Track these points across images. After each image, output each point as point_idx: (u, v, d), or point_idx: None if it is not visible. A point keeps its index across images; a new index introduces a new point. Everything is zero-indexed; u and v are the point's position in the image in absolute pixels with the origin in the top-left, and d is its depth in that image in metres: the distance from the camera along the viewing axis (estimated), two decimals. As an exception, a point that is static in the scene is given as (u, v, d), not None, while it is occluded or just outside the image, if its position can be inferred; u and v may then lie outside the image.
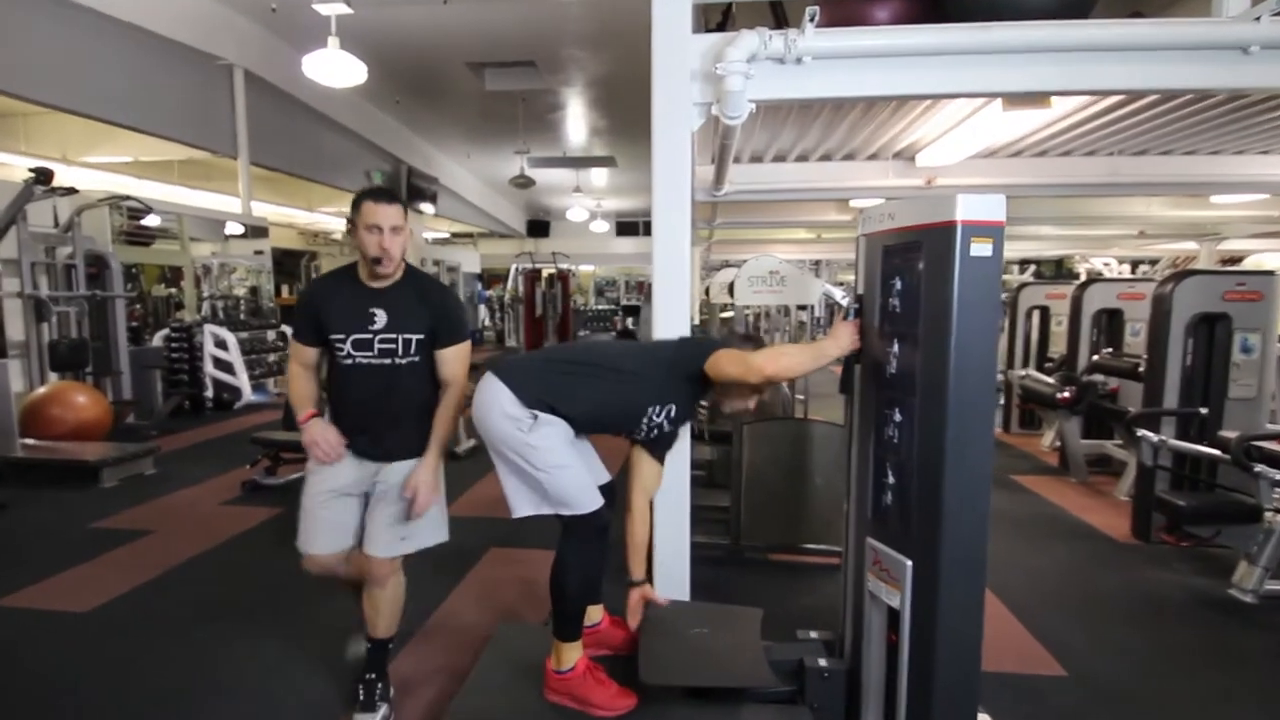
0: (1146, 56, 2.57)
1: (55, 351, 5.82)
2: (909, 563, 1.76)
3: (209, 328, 7.49)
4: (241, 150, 7.98)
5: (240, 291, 9.25)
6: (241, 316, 8.72)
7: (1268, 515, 3.19)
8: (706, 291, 9.04)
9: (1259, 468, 3.21)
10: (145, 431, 6.24)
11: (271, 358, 8.74)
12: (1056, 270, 15.42)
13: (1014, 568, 3.56)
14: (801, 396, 5.56)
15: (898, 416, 1.80)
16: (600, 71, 8.95)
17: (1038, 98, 3.69)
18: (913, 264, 1.75)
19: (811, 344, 2.19)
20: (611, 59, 8.44)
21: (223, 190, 9.94)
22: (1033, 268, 14.34)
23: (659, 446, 2.34)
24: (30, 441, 5.27)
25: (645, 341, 2.59)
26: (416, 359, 2.18)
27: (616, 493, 2.32)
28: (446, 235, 18.37)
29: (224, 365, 7.50)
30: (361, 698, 2.23)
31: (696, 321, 8.12)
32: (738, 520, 3.68)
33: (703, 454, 5.15)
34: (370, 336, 2.14)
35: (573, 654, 2.08)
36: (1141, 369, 4.49)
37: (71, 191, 5.78)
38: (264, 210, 9.97)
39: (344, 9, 6.15)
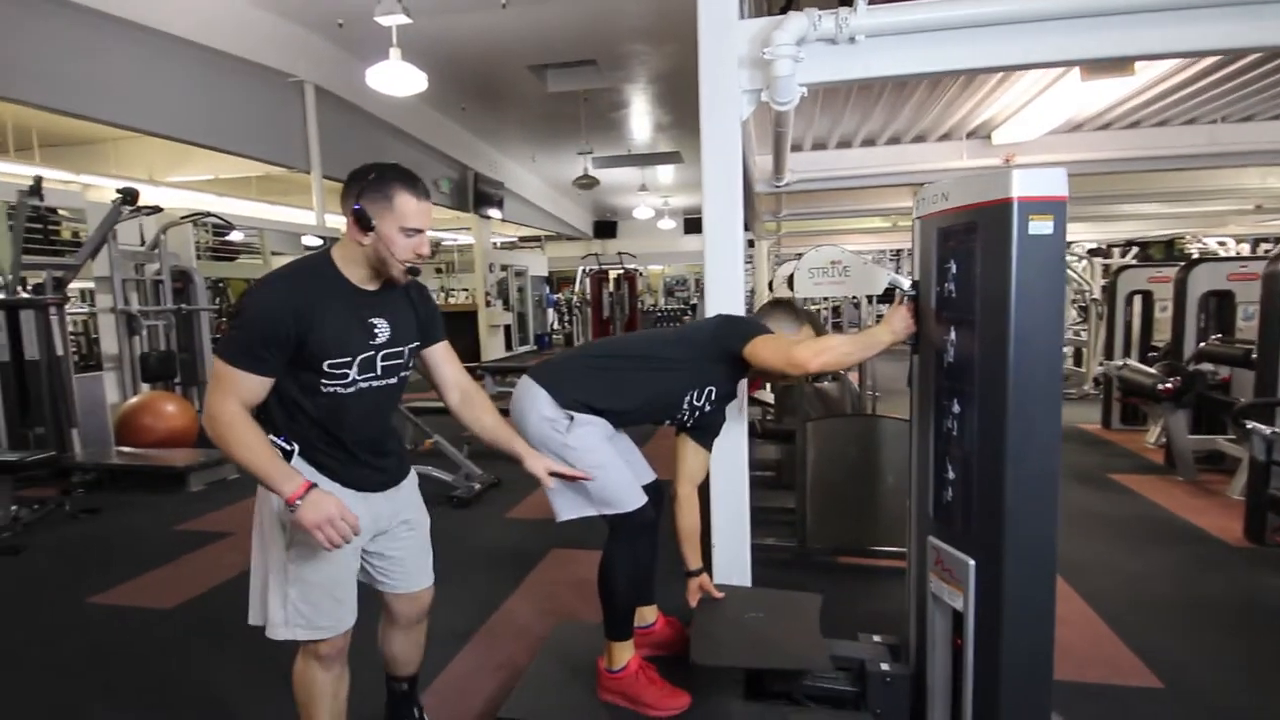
0: (1247, 11, 2.28)
1: (146, 363, 6.14)
2: (971, 562, 1.64)
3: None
4: (314, 164, 8.24)
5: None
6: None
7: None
8: (770, 286, 8.83)
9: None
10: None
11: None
12: (1167, 252, 14.30)
13: (1109, 572, 3.30)
14: (876, 392, 5.32)
15: (956, 408, 1.68)
16: (663, 66, 8.84)
17: (1119, 64, 3.36)
18: (969, 246, 1.62)
19: (862, 332, 2.03)
20: (674, 52, 8.32)
21: (299, 204, 10.33)
22: (1134, 250, 13.42)
23: (704, 433, 2.26)
24: (124, 449, 5.57)
25: (683, 325, 2.48)
26: (409, 371, 1.81)
27: (664, 492, 2.30)
28: (514, 239, 18.65)
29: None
30: None
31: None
32: (803, 521, 3.53)
33: (769, 454, 4.99)
34: (373, 354, 1.66)
35: (624, 653, 2.07)
36: (1254, 356, 4.07)
37: (156, 210, 6.07)
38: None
39: (404, 19, 6.23)
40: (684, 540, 2.30)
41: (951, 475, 1.71)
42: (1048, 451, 1.53)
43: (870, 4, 2.50)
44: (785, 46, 2.54)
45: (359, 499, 1.69)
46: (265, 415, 1.63)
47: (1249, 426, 3.42)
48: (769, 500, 3.93)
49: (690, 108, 2.78)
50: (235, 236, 9.15)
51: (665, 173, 14.89)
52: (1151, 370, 4.92)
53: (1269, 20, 2.25)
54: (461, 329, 13.63)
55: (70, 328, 6.35)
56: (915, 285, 1.90)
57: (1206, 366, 4.80)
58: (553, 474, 1.93)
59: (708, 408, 2.16)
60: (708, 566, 2.86)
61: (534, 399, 2.02)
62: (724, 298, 2.76)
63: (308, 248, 9.55)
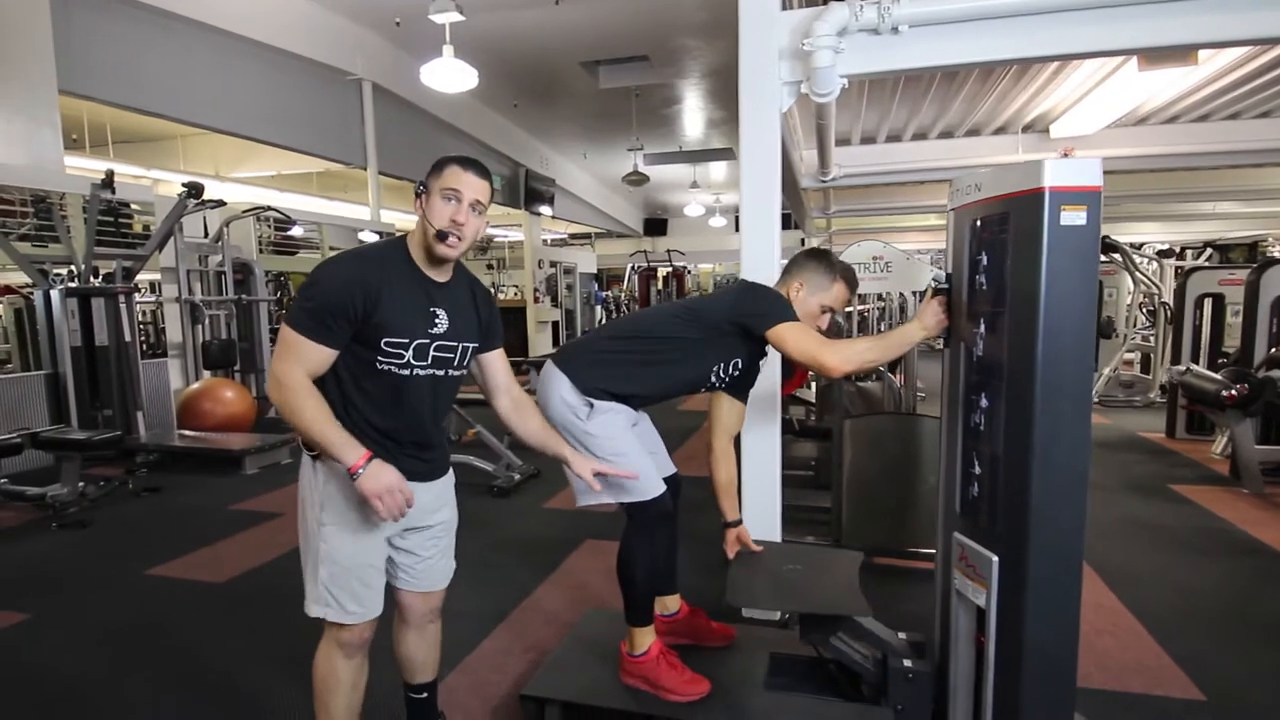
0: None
1: (207, 351, 6.40)
2: (995, 558, 1.61)
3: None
4: (370, 161, 8.47)
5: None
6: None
7: None
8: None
9: None
10: (284, 424, 6.73)
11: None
12: (1249, 256, 13.52)
13: (1160, 585, 3.17)
14: (922, 393, 5.19)
15: (984, 402, 1.64)
16: (715, 61, 8.80)
17: (1180, 53, 3.20)
18: (1001, 237, 1.58)
19: (892, 331, 1.98)
20: (727, 47, 8.26)
21: (357, 200, 10.62)
22: (1208, 252, 12.78)
23: (738, 389, 2.25)
24: (186, 432, 5.82)
25: (703, 296, 2.42)
26: (463, 372, 1.80)
27: (681, 486, 2.30)
28: (563, 236, 18.79)
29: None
30: None
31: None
32: (838, 520, 3.47)
33: (807, 452, 4.93)
34: (428, 342, 1.67)
35: (645, 638, 2.08)
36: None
37: (220, 204, 6.33)
38: (393, 218, 10.56)
39: (457, 17, 6.35)
40: (721, 493, 2.30)
41: (978, 471, 1.68)
42: (1076, 448, 1.49)
43: (914, -7, 2.44)
44: (826, 38, 2.52)
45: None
46: (321, 393, 1.64)
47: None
48: (806, 499, 3.89)
49: (744, 103, 2.76)
50: (296, 232, 9.46)
51: (717, 169, 14.83)
52: (1216, 376, 4.69)
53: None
54: (510, 325, 13.80)
55: (138, 317, 6.65)
56: (948, 278, 1.86)
57: (1277, 373, 4.54)
58: (597, 474, 1.94)
59: (736, 374, 2.15)
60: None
61: (556, 385, 2.04)
62: (760, 280, 2.74)
63: (363, 243, 9.82)
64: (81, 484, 4.40)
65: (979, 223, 1.69)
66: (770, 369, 2.72)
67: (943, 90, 3.91)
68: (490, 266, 18.14)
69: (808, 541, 3.47)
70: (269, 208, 7.14)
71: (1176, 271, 8.28)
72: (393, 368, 1.64)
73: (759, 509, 2.78)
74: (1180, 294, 6.54)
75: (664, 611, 2.30)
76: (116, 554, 3.73)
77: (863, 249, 3.46)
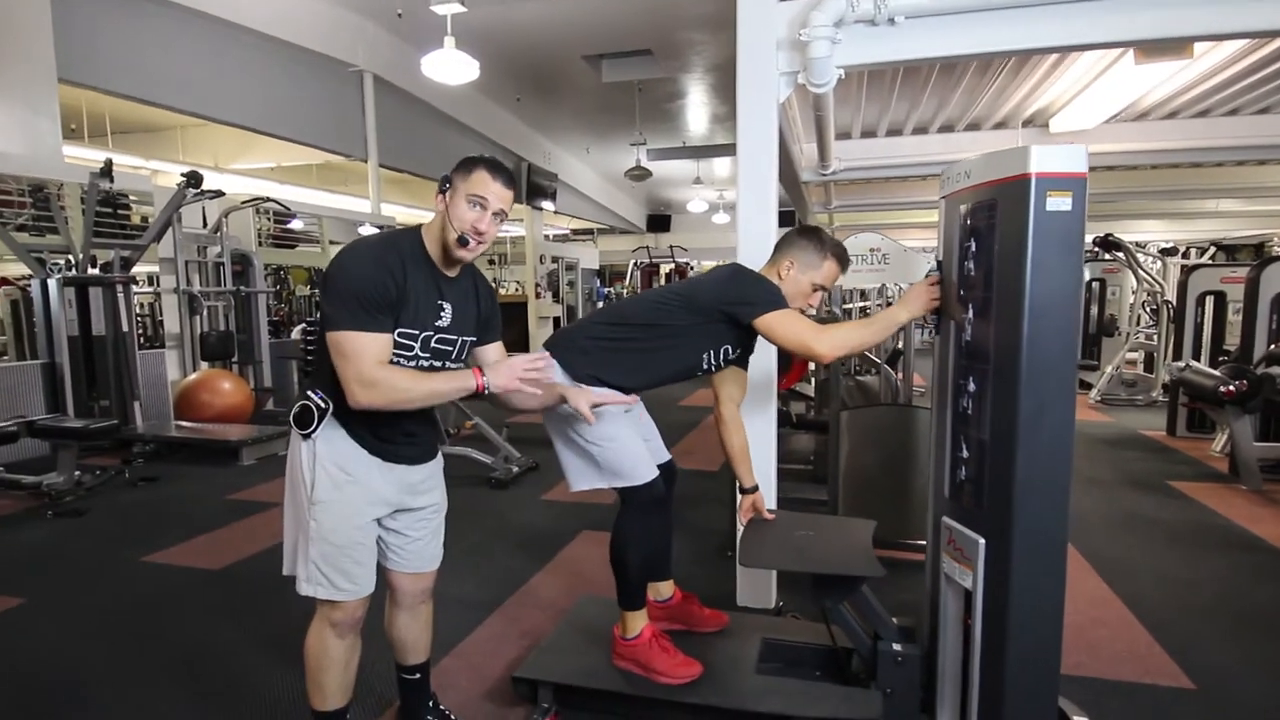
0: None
1: (205, 342, 6.40)
2: (981, 541, 1.63)
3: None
4: (371, 153, 8.46)
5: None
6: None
7: None
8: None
9: None
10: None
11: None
12: (1257, 255, 13.45)
13: (1155, 578, 3.18)
14: (922, 389, 5.18)
15: (971, 386, 1.66)
16: (719, 55, 8.76)
17: (1176, 46, 3.18)
18: (989, 223, 1.60)
19: (880, 314, 1.97)
20: (730, 41, 8.20)
21: (357, 193, 10.62)
22: (1211, 250, 12.74)
23: (742, 359, 2.25)
24: (182, 423, 5.82)
25: (691, 280, 2.38)
26: (460, 365, 1.80)
27: (676, 474, 2.31)
28: (566, 231, 18.77)
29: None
30: None
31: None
32: (834, 511, 3.46)
33: (805, 445, 4.93)
34: (432, 334, 1.69)
35: (638, 622, 2.09)
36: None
37: (219, 194, 6.31)
38: (393, 211, 10.56)
39: (459, 8, 6.33)
40: (734, 460, 2.29)
41: (966, 455, 1.69)
42: (1060, 430, 1.51)
43: (911, -16, 2.44)
44: (822, 28, 2.52)
45: (386, 469, 1.72)
46: (318, 369, 1.68)
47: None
48: (804, 492, 3.89)
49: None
50: (295, 225, 9.45)
51: (721, 165, 14.80)
52: (1216, 372, 4.67)
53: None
54: (512, 320, 13.83)
55: (136, 309, 6.65)
56: (939, 266, 1.86)
57: (1276, 370, 4.52)
58: (588, 456, 1.98)
59: (728, 359, 2.15)
60: (730, 567, 2.87)
61: (548, 370, 2.01)
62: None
63: (362, 236, 9.81)
64: (78, 473, 4.41)
65: (968, 209, 1.70)
66: (766, 360, 2.71)
67: (941, 83, 3.89)
68: (492, 262, 18.14)
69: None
70: (268, 199, 7.13)
71: (1181, 270, 8.25)
72: (402, 359, 1.64)
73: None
74: (1182, 292, 6.52)
75: (658, 597, 2.32)
76: (112, 541, 3.74)
77: (860, 241, 3.45)
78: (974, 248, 1.65)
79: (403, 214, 12.01)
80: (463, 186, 1.62)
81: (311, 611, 1.76)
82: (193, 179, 5.78)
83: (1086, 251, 8.50)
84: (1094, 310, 8.69)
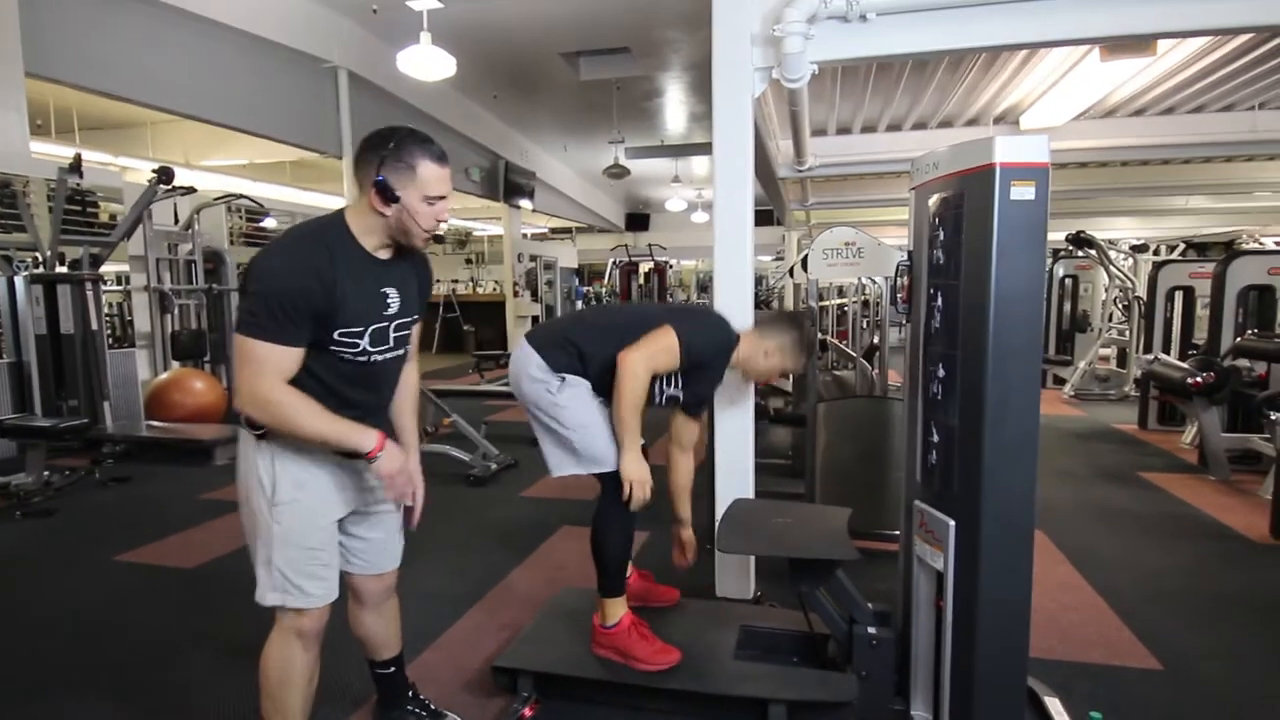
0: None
1: (177, 341, 6.31)
2: (951, 523, 1.67)
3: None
4: (346, 150, 8.36)
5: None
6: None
7: None
8: (791, 273, 8.75)
9: None
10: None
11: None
12: (1226, 253, 13.70)
13: (1125, 565, 3.24)
14: (897, 384, 5.24)
15: (940, 372, 1.70)
16: (697, 54, 8.76)
17: (1139, 43, 3.25)
18: (956, 212, 1.64)
19: (631, 416, 2.05)
20: (708, 39, 8.23)
21: (331, 191, 10.50)
22: (1180, 247, 12.97)
23: (690, 409, 2.37)
24: (153, 423, 5.73)
25: (661, 305, 2.50)
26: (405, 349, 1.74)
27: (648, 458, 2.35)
28: (544, 230, 18.72)
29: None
30: None
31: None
32: (812, 503, 3.48)
33: (783, 440, 4.96)
34: (386, 325, 1.61)
35: (618, 609, 2.14)
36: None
37: (191, 191, 6.23)
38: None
39: (436, 4, 6.30)
40: (673, 494, 2.44)
41: (936, 439, 1.72)
42: (1026, 412, 1.55)
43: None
44: (796, 24, 2.57)
45: (344, 466, 1.66)
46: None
47: (1274, 418, 3.29)
48: (782, 487, 3.92)
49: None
50: (269, 223, 9.34)
51: (699, 164, 14.83)
52: (1184, 365, 4.76)
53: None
54: (490, 319, 13.77)
55: (105, 309, 6.54)
56: (910, 256, 1.89)
57: (1243, 362, 4.62)
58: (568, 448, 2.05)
59: (668, 398, 2.26)
60: (709, 560, 2.89)
61: (528, 361, 2.11)
62: (733, 279, 2.78)
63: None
64: (46, 473, 4.33)
65: (936, 199, 1.74)
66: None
67: (914, 81, 3.94)
68: (469, 261, 18.05)
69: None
70: (241, 195, 7.04)
71: (1151, 266, 8.39)
72: (346, 356, 1.56)
73: (732, 494, 2.78)
74: (1152, 287, 6.64)
75: None
76: (84, 541, 3.68)
77: (835, 234, 3.48)
78: (942, 237, 1.69)
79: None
80: (414, 189, 1.51)
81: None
82: (164, 175, 5.70)
83: (1059, 249, 8.59)
84: (1067, 307, 8.83)
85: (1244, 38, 3.17)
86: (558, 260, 14.42)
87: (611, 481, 2.10)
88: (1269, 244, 11.40)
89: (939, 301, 1.70)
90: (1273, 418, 3.30)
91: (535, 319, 13.72)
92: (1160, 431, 6.06)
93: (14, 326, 5.29)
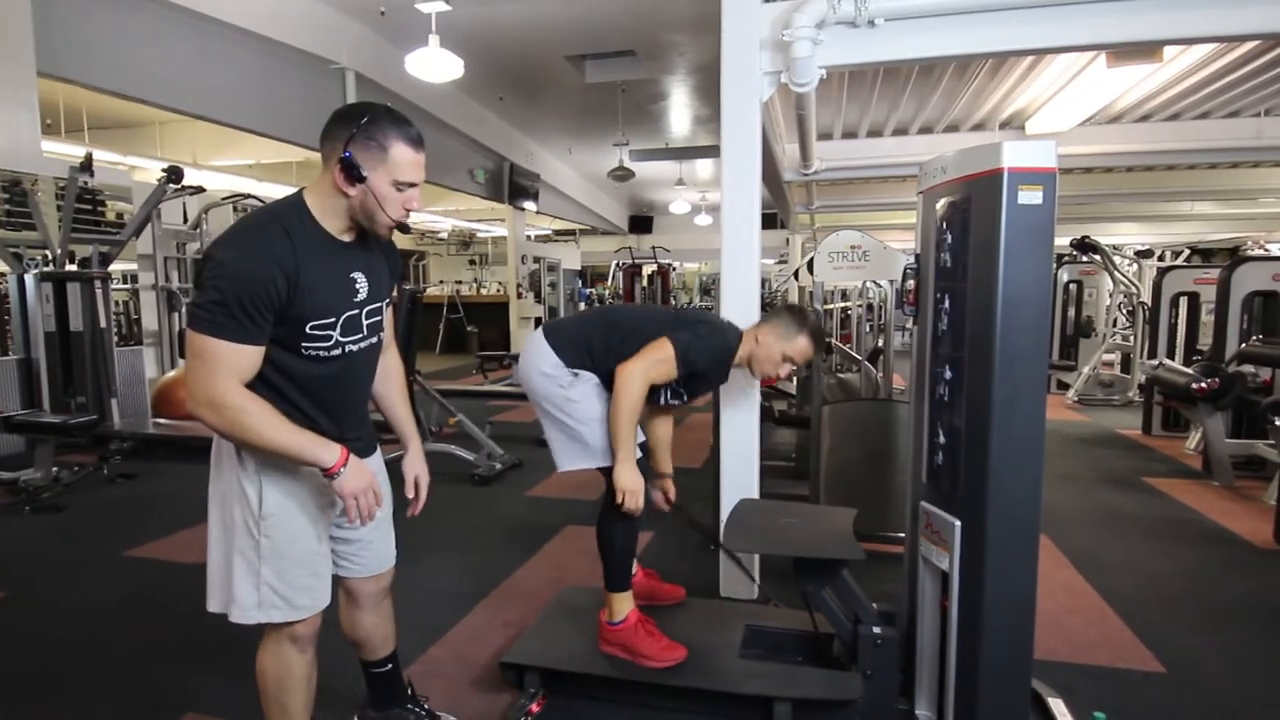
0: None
1: (184, 339, 6.33)
2: (957, 523, 1.68)
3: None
4: (353, 151, 8.41)
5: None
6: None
7: None
8: (796, 275, 8.76)
9: None
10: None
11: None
12: (1231, 259, 13.70)
13: (1129, 569, 3.25)
14: (902, 388, 5.26)
15: (948, 374, 1.71)
16: (702, 57, 8.80)
17: (1147, 50, 3.27)
18: (964, 216, 1.66)
19: (626, 426, 2.04)
20: (714, 43, 8.23)
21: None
22: (1185, 253, 12.96)
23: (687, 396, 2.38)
24: (161, 420, 5.76)
25: (670, 310, 2.52)
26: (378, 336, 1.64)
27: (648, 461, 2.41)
28: (548, 232, 18.75)
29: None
30: None
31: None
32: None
33: (787, 441, 4.97)
34: (357, 312, 1.51)
35: (624, 605, 2.15)
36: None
37: (199, 190, 6.27)
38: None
39: (444, 6, 6.34)
40: (654, 451, 2.47)
41: (943, 440, 1.74)
42: (1032, 414, 1.56)
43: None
44: (805, 29, 2.59)
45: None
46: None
47: (1278, 424, 3.30)
48: (786, 489, 3.92)
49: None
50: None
51: (703, 167, 14.86)
52: (1188, 370, 4.77)
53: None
54: (493, 320, 13.81)
55: (114, 306, 6.56)
56: (917, 259, 1.91)
57: (1247, 368, 4.63)
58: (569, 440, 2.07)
59: (673, 397, 2.28)
60: (714, 560, 2.91)
61: (540, 355, 2.14)
62: (740, 280, 2.80)
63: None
64: (55, 469, 4.35)
65: (944, 203, 1.75)
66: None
67: (920, 85, 3.96)
68: (473, 262, 18.10)
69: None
70: (250, 195, 7.08)
71: (1156, 272, 8.40)
72: (320, 352, 1.46)
73: (737, 495, 2.80)
74: (1156, 293, 6.65)
75: None
76: (94, 536, 3.71)
77: (841, 238, 3.50)
78: (949, 240, 1.70)
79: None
80: (383, 171, 1.40)
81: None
82: (174, 174, 5.74)
83: (1065, 254, 8.57)
84: (1071, 312, 8.83)
85: (1249, 45, 3.18)
86: (561, 262, 14.46)
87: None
88: (1274, 250, 11.39)
89: (946, 304, 1.72)
90: (1277, 423, 3.30)
91: (539, 320, 13.76)
92: (1164, 437, 6.06)
93: (24, 323, 5.33)
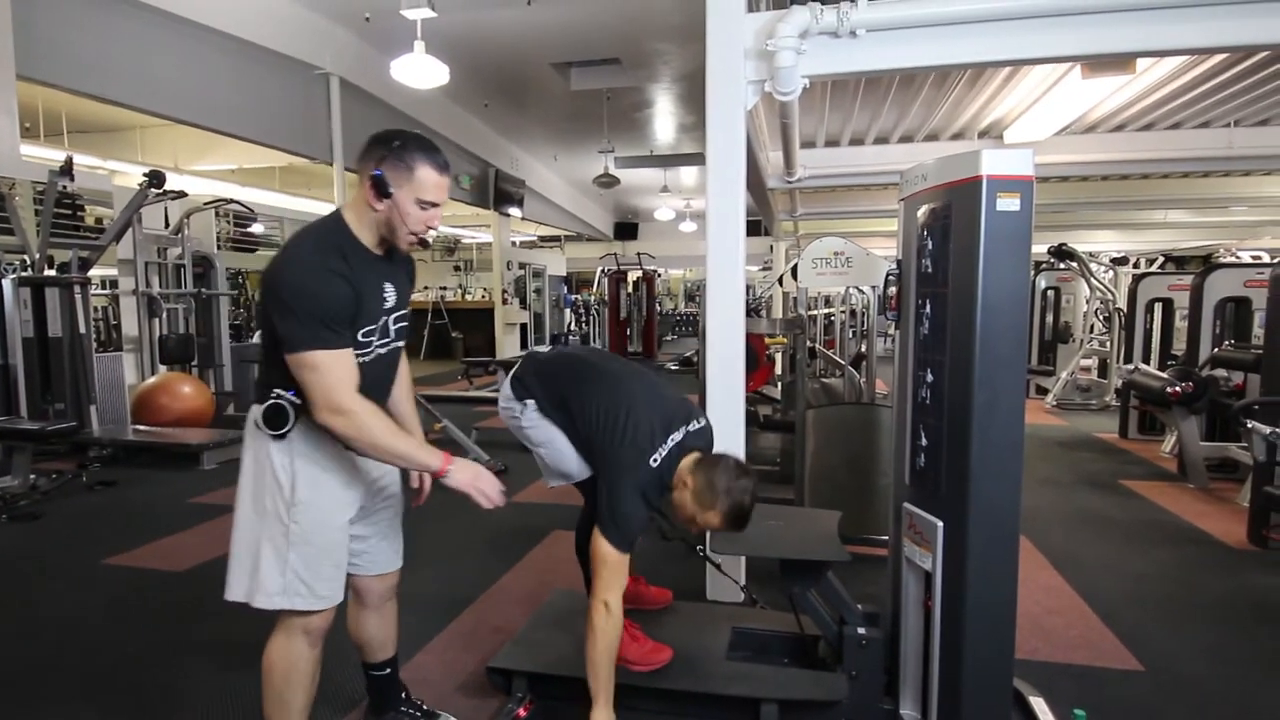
0: (1250, 9, 2.28)
1: (164, 345, 6.28)
2: (939, 524, 1.72)
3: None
4: (336, 156, 8.37)
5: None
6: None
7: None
8: (780, 281, 8.82)
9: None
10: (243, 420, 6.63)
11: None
12: (1204, 266, 13.98)
13: (1106, 570, 3.32)
14: (884, 393, 5.31)
15: (929, 378, 1.75)
16: (687, 66, 8.85)
17: (1119, 61, 3.35)
18: (944, 223, 1.70)
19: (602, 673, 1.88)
20: (699, 52, 8.23)
21: (322, 198, 10.49)
22: (1160, 261, 13.19)
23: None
24: (141, 427, 5.70)
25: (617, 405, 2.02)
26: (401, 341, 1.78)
27: None
28: (533, 238, 18.75)
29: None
30: None
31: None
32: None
33: (772, 446, 5.01)
34: (386, 319, 1.66)
35: None
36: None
37: (181, 195, 6.21)
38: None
39: (429, 13, 6.32)
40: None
41: (925, 442, 1.77)
42: (1011, 417, 1.60)
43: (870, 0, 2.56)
44: (788, 39, 2.63)
45: (356, 469, 1.68)
46: (271, 368, 1.57)
47: (1249, 426, 3.38)
48: (771, 493, 3.93)
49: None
50: (256, 229, 9.32)
51: (688, 174, 14.93)
52: (1163, 375, 4.86)
53: (1272, 18, 2.25)
54: (478, 326, 13.77)
55: (93, 312, 6.48)
56: (899, 265, 1.94)
57: (1220, 372, 4.72)
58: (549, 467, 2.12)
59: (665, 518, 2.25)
60: (700, 564, 2.92)
61: (504, 386, 2.19)
62: (725, 287, 2.82)
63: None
64: (33, 477, 4.30)
65: (925, 210, 1.79)
66: (735, 361, 2.81)
67: (901, 95, 4.02)
68: (458, 268, 18.04)
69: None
70: (232, 200, 7.03)
71: (1131, 278, 8.54)
72: (363, 357, 1.60)
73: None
74: (1132, 299, 6.77)
75: None
76: (71, 544, 3.67)
77: (824, 244, 3.55)
78: (930, 246, 1.74)
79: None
80: (408, 189, 1.54)
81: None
82: (155, 179, 5.68)
83: (1043, 261, 8.70)
84: (1049, 318, 8.96)
85: (1219, 57, 3.27)
86: (546, 268, 14.46)
87: (589, 487, 2.12)
88: (1245, 257, 11.62)
89: (927, 309, 1.75)
90: (1249, 426, 3.38)
91: (524, 326, 13.75)
92: (1140, 440, 6.16)
93: (1, 329, 5.25)
